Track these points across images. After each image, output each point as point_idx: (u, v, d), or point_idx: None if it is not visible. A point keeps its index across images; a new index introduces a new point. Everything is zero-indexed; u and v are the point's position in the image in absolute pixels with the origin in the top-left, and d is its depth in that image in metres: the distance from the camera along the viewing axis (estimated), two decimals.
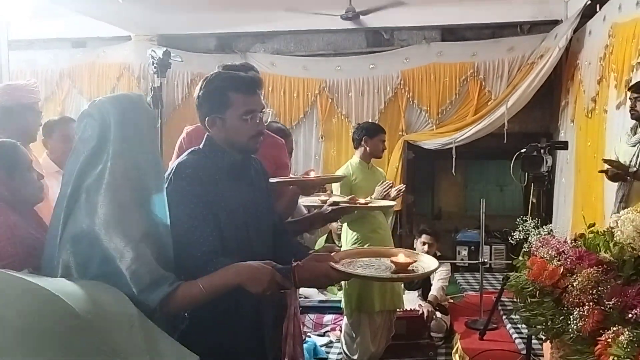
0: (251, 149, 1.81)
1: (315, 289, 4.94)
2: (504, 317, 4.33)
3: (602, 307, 1.58)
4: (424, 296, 4.42)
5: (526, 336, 3.58)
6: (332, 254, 1.70)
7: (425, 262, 1.73)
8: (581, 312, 1.60)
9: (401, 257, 1.70)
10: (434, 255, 4.54)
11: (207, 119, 1.74)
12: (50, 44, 6.56)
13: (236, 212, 1.74)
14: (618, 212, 2.28)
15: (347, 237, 3.64)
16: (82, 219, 1.44)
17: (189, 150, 1.81)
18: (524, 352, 3.50)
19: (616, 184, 3.44)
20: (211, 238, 1.63)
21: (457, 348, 3.87)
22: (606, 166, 3.42)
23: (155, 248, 1.48)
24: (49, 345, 1.13)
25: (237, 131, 1.73)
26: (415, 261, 1.72)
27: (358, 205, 2.75)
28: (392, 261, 1.70)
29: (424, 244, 4.53)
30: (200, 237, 1.62)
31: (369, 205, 2.94)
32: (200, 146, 1.80)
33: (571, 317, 1.64)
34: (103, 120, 1.47)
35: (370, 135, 3.66)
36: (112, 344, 1.22)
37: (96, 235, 1.42)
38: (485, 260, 4.48)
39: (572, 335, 1.64)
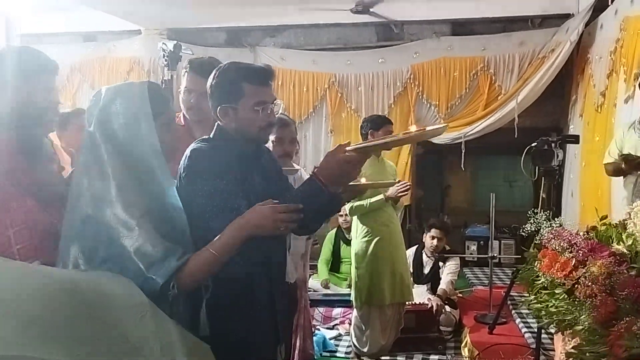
0: (262, 139, 1.83)
1: (319, 284, 4.95)
2: (513, 311, 4.32)
3: (615, 298, 1.58)
4: (433, 290, 4.42)
5: (535, 330, 3.57)
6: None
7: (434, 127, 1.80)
8: (593, 303, 1.60)
9: (413, 127, 1.78)
10: (443, 249, 4.59)
11: (219, 108, 1.75)
12: (61, 37, 6.59)
13: (247, 200, 1.75)
14: None
15: (358, 231, 3.64)
16: (86, 203, 1.50)
17: (199, 139, 1.82)
18: (534, 346, 3.49)
19: (621, 178, 3.44)
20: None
21: (466, 342, 3.87)
22: (609, 160, 3.43)
23: (162, 226, 1.50)
24: (62, 334, 1.14)
25: (248, 122, 1.74)
26: (425, 128, 1.76)
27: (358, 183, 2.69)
28: (403, 133, 1.76)
29: (433, 238, 4.53)
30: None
31: (369, 183, 2.88)
32: (211, 135, 1.80)
33: (583, 308, 1.64)
34: (98, 108, 1.54)
35: (375, 128, 3.65)
36: (123, 332, 1.23)
37: (100, 219, 1.47)
38: (495, 255, 4.48)
39: (584, 326, 1.64)
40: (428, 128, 1.76)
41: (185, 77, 2.39)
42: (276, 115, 1.82)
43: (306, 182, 1.66)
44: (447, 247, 4.76)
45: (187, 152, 1.74)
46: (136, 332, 1.27)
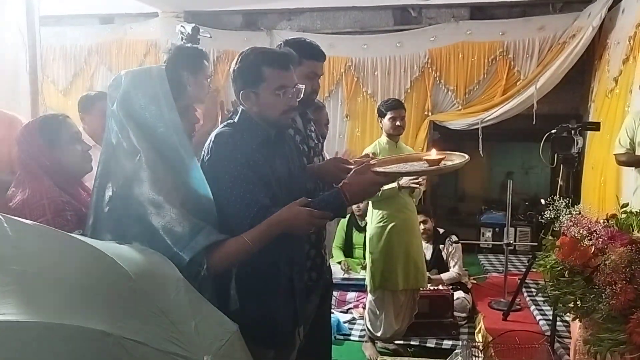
0: (283, 123, 1.84)
1: (338, 267, 4.98)
2: (527, 298, 4.32)
3: (635, 286, 1.57)
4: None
5: (550, 318, 3.57)
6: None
7: (455, 159, 1.84)
8: (613, 290, 1.59)
9: (433, 153, 1.83)
10: (434, 228, 4.58)
11: (241, 92, 1.77)
12: (79, 19, 6.62)
13: (268, 185, 1.77)
14: None
15: (373, 217, 3.65)
16: (116, 182, 1.56)
17: (224, 123, 1.84)
18: (548, 333, 3.49)
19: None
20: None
21: (480, 328, 3.88)
22: (620, 150, 3.38)
23: (189, 203, 1.55)
24: (108, 304, 1.16)
25: (269, 106, 1.76)
26: (445, 157, 1.82)
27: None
28: (424, 159, 1.82)
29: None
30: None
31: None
32: (235, 120, 1.82)
33: (603, 295, 1.63)
34: (118, 91, 1.59)
35: (381, 115, 3.65)
36: (162, 307, 1.24)
37: (129, 197, 1.51)
38: (510, 242, 4.46)
39: (602, 313, 1.64)
40: (449, 163, 1.80)
41: None
42: (297, 100, 1.83)
43: (333, 193, 1.69)
44: (441, 230, 4.73)
45: (212, 136, 1.77)
46: (173, 308, 1.28)
